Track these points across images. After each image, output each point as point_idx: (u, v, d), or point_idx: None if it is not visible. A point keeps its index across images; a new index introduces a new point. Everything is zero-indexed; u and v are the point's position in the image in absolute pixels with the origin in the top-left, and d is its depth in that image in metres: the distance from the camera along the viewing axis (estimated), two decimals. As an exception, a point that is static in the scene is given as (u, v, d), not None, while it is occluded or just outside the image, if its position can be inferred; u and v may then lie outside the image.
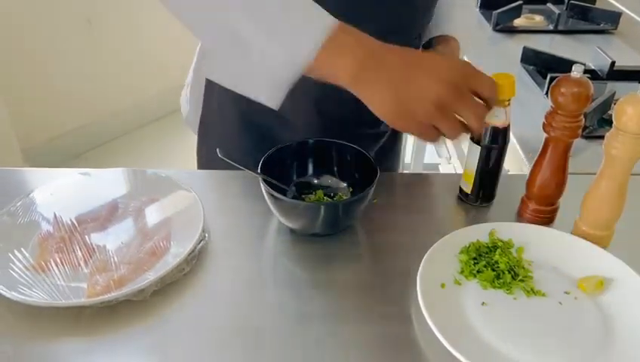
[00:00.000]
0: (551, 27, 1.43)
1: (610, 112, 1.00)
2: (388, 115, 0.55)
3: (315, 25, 0.53)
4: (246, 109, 0.85)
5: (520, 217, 0.74)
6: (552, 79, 1.07)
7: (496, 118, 0.69)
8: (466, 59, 0.80)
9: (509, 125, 0.70)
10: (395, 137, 0.98)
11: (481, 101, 0.56)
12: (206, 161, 0.94)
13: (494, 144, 0.70)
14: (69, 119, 2.52)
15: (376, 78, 0.53)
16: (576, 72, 0.64)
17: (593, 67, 1.17)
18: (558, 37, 1.39)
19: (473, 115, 0.54)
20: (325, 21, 0.54)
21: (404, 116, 0.54)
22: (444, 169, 1.52)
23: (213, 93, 0.88)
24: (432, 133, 0.56)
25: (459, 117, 0.55)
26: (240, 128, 0.87)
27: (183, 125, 0.97)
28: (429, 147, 1.87)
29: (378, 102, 0.54)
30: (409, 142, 2.19)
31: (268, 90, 0.57)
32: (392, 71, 0.53)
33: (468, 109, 0.54)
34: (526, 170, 0.89)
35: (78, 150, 2.56)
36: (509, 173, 0.94)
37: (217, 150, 0.66)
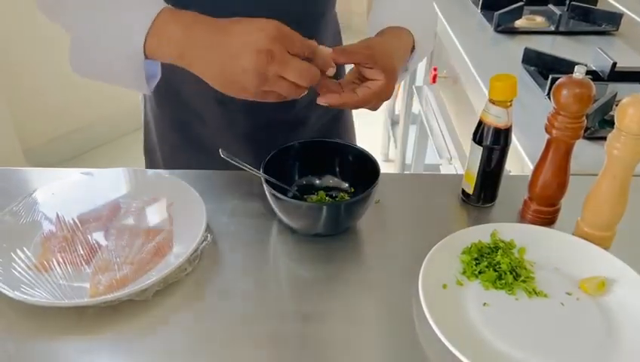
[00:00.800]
0: (552, 28, 1.43)
1: (611, 113, 1.00)
2: (226, 91, 0.58)
3: (141, 16, 0.57)
4: (167, 106, 0.86)
5: (522, 218, 0.74)
6: (553, 80, 1.07)
7: (498, 119, 0.69)
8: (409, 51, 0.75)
9: (510, 126, 0.70)
10: (336, 122, 0.95)
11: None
12: (151, 152, 0.95)
13: (496, 145, 0.70)
14: (70, 120, 2.52)
15: (200, 61, 0.57)
16: (579, 72, 0.64)
17: (594, 68, 1.17)
18: (559, 38, 1.40)
19: (294, 72, 0.56)
20: (149, 10, 0.57)
21: (237, 90, 0.57)
22: (445, 170, 1.52)
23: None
24: (271, 96, 0.58)
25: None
26: (170, 127, 0.88)
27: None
28: (430, 148, 1.87)
29: (211, 81, 0.58)
30: (410, 143, 2.20)
31: (128, 79, 0.61)
32: (211, 52, 0.56)
33: (287, 70, 0.55)
34: (527, 170, 0.89)
35: (79, 151, 2.56)
36: (511, 173, 0.94)
37: (220, 150, 0.66)
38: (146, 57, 0.59)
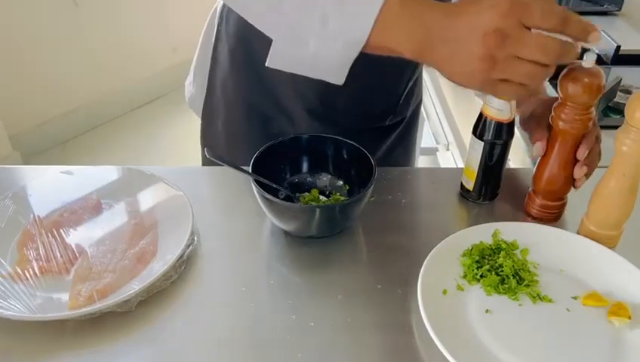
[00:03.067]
0: (553, 8, 1.38)
1: (616, 100, 0.96)
2: (456, 81, 0.53)
3: (367, 6, 0.52)
4: (248, 95, 0.83)
5: (526, 213, 0.71)
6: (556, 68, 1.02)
7: (500, 113, 0.65)
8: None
9: (514, 120, 0.66)
10: (408, 132, 0.94)
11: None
12: (211, 144, 0.91)
13: (498, 139, 0.67)
14: (56, 104, 2.46)
15: (434, 52, 0.52)
16: (588, 60, 0.60)
17: (597, 52, 1.13)
18: (560, 19, 1.35)
19: (531, 49, 0.49)
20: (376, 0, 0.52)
21: (466, 78, 0.52)
22: (442, 156, 1.49)
23: (216, 78, 0.85)
24: (508, 87, 0.52)
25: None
26: (244, 115, 0.84)
27: (172, 109, 0.93)
28: (427, 131, 1.83)
29: (445, 72, 0.53)
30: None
31: (331, 73, 0.56)
32: (442, 39, 0.51)
33: (522, 47, 0.49)
34: (529, 163, 0.86)
35: (66, 136, 2.50)
36: (511, 166, 0.90)
37: (205, 150, 0.62)
38: (367, 51, 0.54)
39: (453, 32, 0.50)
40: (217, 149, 0.89)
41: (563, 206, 0.70)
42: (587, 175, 0.66)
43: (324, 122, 0.82)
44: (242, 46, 0.79)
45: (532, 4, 0.48)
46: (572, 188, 0.68)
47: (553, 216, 0.69)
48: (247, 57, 0.80)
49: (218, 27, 0.83)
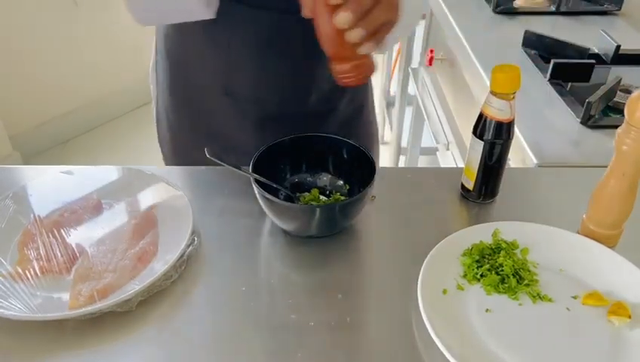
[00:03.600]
0: (553, 8, 1.38)
1: (615, 100, 0.96)
2: None
3: None
4: (183, 114, 0.84)
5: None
6: (555, 65, 1.02)
7: (500, 112, 0.65)
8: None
9: (513, 119, 0.66)
10: (359, 114, 0.92)
11: None
12: (168, 155, 0.94)
13: (498, 139, 0.67)
14: (56, 105, 2.46)
15: None
16: None
17: (597, 51, 1.13)
18: (561, 19, 1.35)
19: None
20: None
21: None
22: (442, 155, 1.49)
23: (159, 98, 0.87)
24: None
25: None
26: (178, 121, 0.86)
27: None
28: (427, 131, 1.83)
29: None
30: (406, 126, 2.15)
31: (195, 4, 0.60)
32: None
33: None
34: (529, 162, 0.86)
35: (66, 136, 2.50)
36: (511, 166, 0.90)
37: (205, 150, 0.62)
38: None
39: None
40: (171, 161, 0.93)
41: (360, 63, 0.56)
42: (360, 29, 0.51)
43: (235, 118, 0.81)
44: (171, 63, 0.80)
45: None
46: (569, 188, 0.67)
47: (352, 79, 0.57)
48: (175, 75, 0.80)
49: (156, 45, 0.84)
